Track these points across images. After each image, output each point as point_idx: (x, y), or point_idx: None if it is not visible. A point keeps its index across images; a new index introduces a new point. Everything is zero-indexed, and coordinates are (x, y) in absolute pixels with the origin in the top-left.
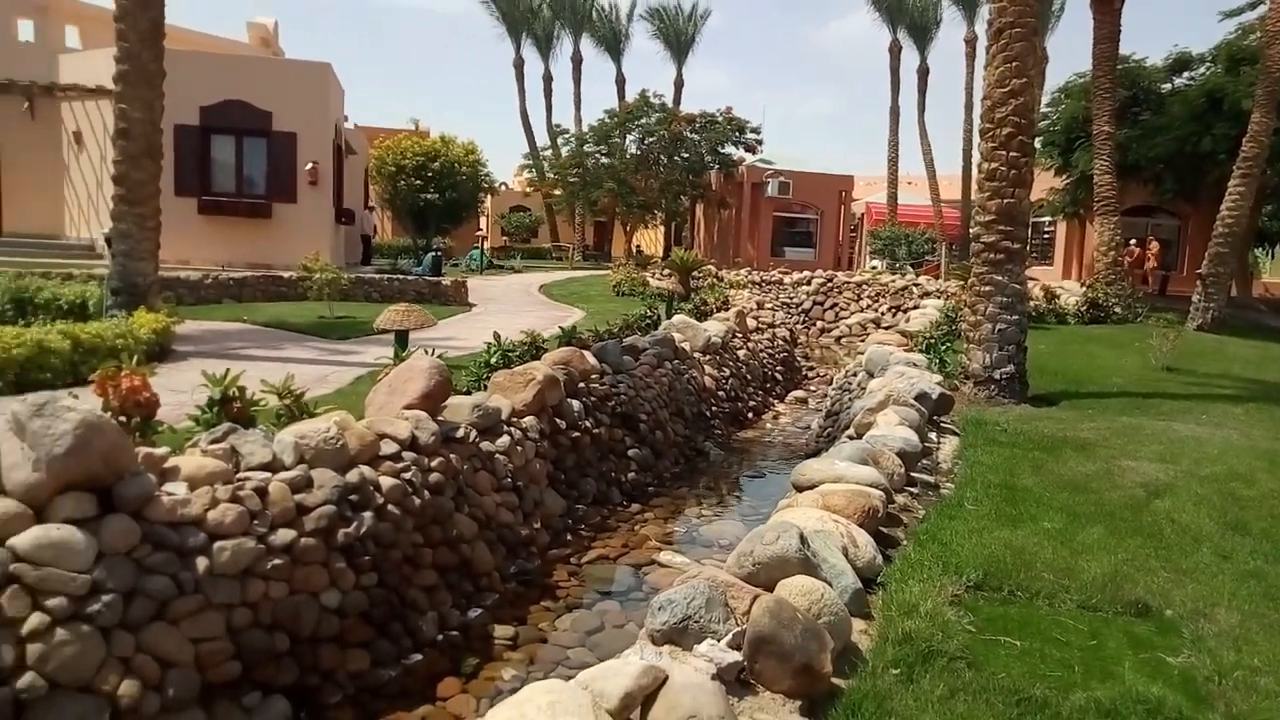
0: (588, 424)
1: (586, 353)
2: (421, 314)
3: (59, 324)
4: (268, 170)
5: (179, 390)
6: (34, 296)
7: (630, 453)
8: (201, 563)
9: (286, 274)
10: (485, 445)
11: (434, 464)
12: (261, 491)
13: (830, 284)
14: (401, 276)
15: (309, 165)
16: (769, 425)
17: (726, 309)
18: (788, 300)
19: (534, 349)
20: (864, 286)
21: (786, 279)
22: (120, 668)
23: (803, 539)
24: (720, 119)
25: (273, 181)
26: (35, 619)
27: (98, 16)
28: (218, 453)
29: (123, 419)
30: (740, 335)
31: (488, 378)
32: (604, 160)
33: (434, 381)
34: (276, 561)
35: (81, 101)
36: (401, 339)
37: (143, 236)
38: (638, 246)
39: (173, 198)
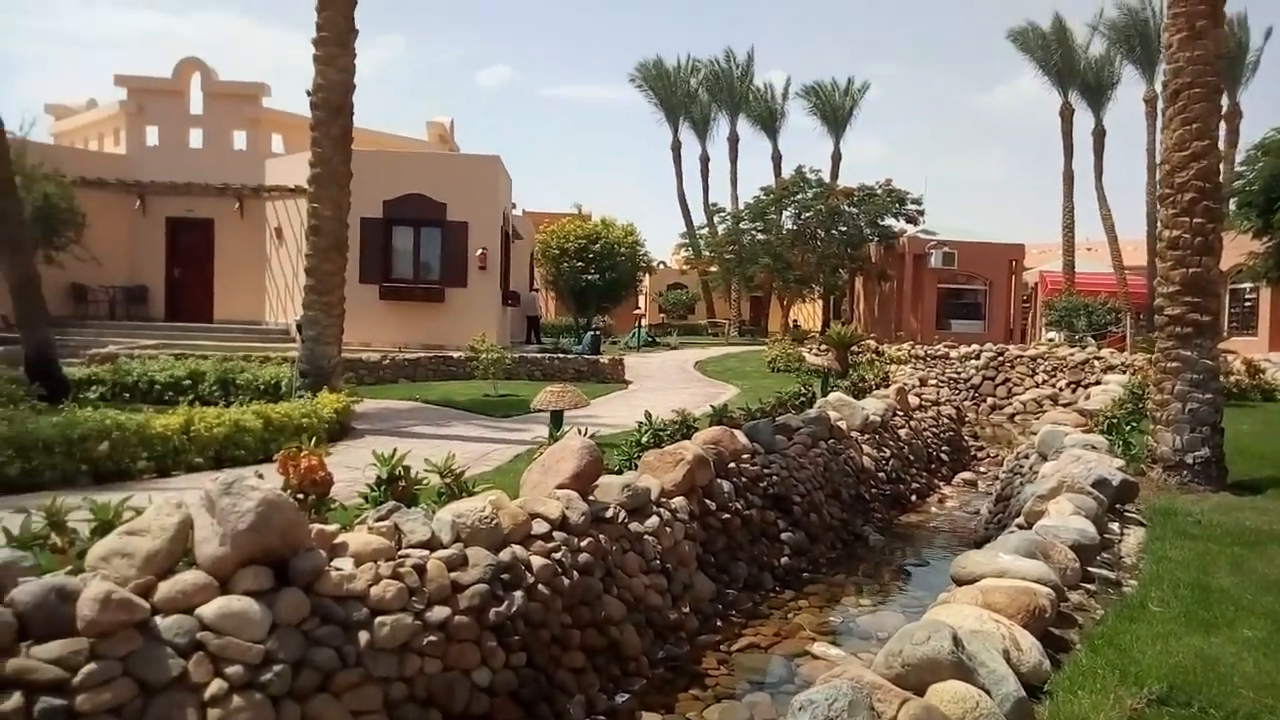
0: (738, 505)
1: (737, 432)
2: (575, 394)
3: (253, 405)
4: (441, 257)
5: (354, 467)
6: (236, 378)
7: (783, 536)
8: (364, 637)
9: (456, 354)
10: (634, 526)
11: (583, 544)
12: (420, 569)
13: (1001, 358)
14: (562, 355)
15: (479, 252)
16: (934, 509)
17: (886, 385)
18: (955, 375)
19: (685, 428)
20: (1039, 360)
21: (953, 353)
22: None
23: (956, 640)
24: (879, 191)
25: (446, 267)
26: (216, 685)
27: (298, 125)
28: (382, 530)
29: (300, 496)
30: (901, 413)
31: (639, 457)
32: (760, 236)
33: (585, 461)
34: (432, 638)
35: (283, 200)
36: (556, 418)
37: (329, 323)
38: (794, 321)
39: (357, 285)
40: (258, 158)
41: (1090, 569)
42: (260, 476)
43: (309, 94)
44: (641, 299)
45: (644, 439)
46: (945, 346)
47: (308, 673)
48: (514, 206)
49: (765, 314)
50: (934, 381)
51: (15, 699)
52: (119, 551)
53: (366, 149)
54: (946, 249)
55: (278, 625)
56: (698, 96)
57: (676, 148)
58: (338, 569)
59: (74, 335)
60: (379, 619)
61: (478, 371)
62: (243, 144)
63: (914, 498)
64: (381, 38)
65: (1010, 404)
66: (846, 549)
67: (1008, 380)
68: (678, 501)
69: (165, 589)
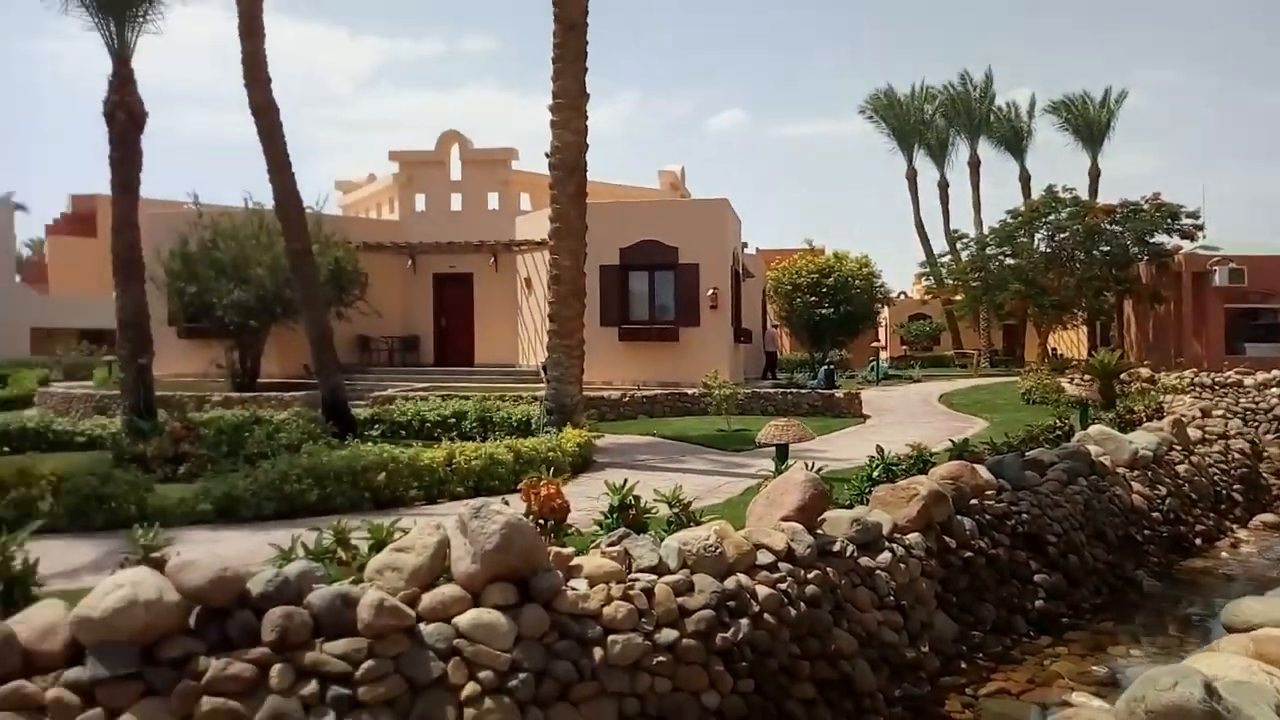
0: (982, 544)
1: (979, 467)
2: (799, 429)
3: (505, 440)
4: (675, 298)
5: (592, 497)
6: (493, 416)
7: (1036, 578)
8: (598, 653)
9: (691, 390)
10: (864, 561)
11: (810, 576)
12: (649, 592)
13: None
14: (796, 390)
15: (709, 291)
16: (1224, 554)
17: (1160, 417)
18: (1250, 405)
19: (920, 463)
20: None
21: (1247, 380)
22: None
23: (1209, 689)
24: (1146, 206)
25: (679, 308)
26: (470, 688)
27: (542, 183)
28: (613, 554)
29: (540, 522)
30: (1179, 447)
31: (869, 492)
32: (1009, 261)
33: (809, 495)
34: (661, 658)
35: (530, 253)
36: (782, 452)
37: (570, 364)
38: (1053, 349)
39: (598, 328)
40: (508, 215)
41: None
42: (506, 503)
43: (547, 155)
44: (881, 331)
45: (875, 474)
46: (1237, 373)
47: (549, 682)
48: (745, 245)
49: (1020, 343)
50: (1220, 413)
51: (312, 685)
52: (390, 565)
53: (603, 201)
54: (1233, 265)
55: (522, 637)
56: (933, 123)
57: (912, 176)
58: (573, 589)
59: (359, 380)
60: (611, 637)
61: (711, 407)
62: (495, 204)
63: (1198, 541)
64: (621, 94)
65: None
66: (1115, 595)
67: None
68: (912, 538)
69: (427, 599)
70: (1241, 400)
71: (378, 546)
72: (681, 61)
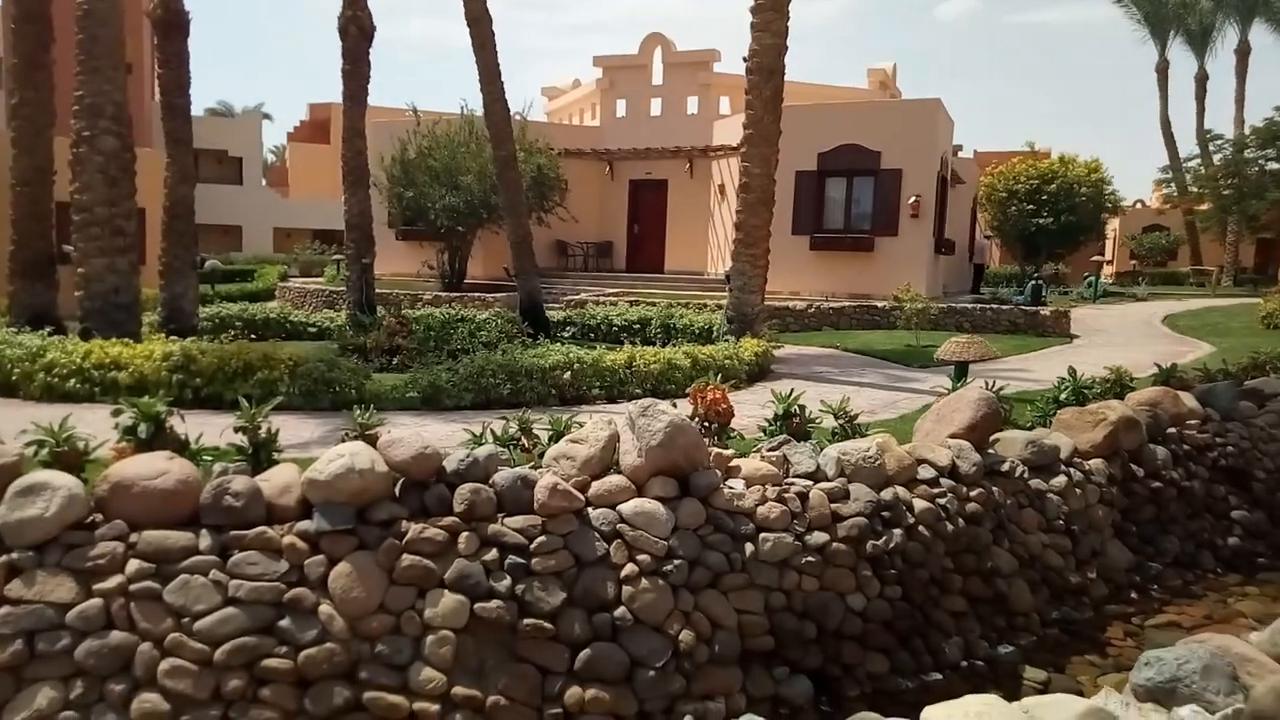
0: (1175, 474)
1: (1185, 394)
2: (982, 346)
3: (685, 346)
4: (873, 206)
5: (764, 405)
6: (676, 323)
7: (1235, 514)
8: (749, 548)
9: (881, 304)
10: (1036, 483)
11: (973, 494)
12: (803, 496)
13: None
14: (996, 306)
15: (911, 199)
16: None
17: None
18: None
19: (1118, 387)
20: None
21: None
22: (682, 619)
23: None
24: None
25: (877, 217)
26: (629, 568)
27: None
28: (772, 459)
29: (706, 424)
30: None
31: (1055, 414)
32: (1272, 166)
33: (981, 414)
34: (810, 559)
35: (726, 159)
36: (961, 369)
37: (754, 274)
38: None
39: (789, 236)
40: (706, 120)
41: None
42: (674, 405)
43: (745, 59)
44: (1108, 244)
45: (1063, 396)
46: None
47: (700, 570)
48: (959, 149)
49: (1276, 259)
50: None
51: (493, 553)
52: (565, 455)
53: (804, 103)
54: None
55: (679, 527)
56: (1197, 4)
57: (1163, 69)
58: (730, 488)
59: (556, 284)
60: (763, 534)
61: (900, 321)
62: (694, 108)
63: None
64: None
65: None
66: None
67: None
68: (1095, 463)
69: (596, 487)
70: None
71: (556, 437)
72: None
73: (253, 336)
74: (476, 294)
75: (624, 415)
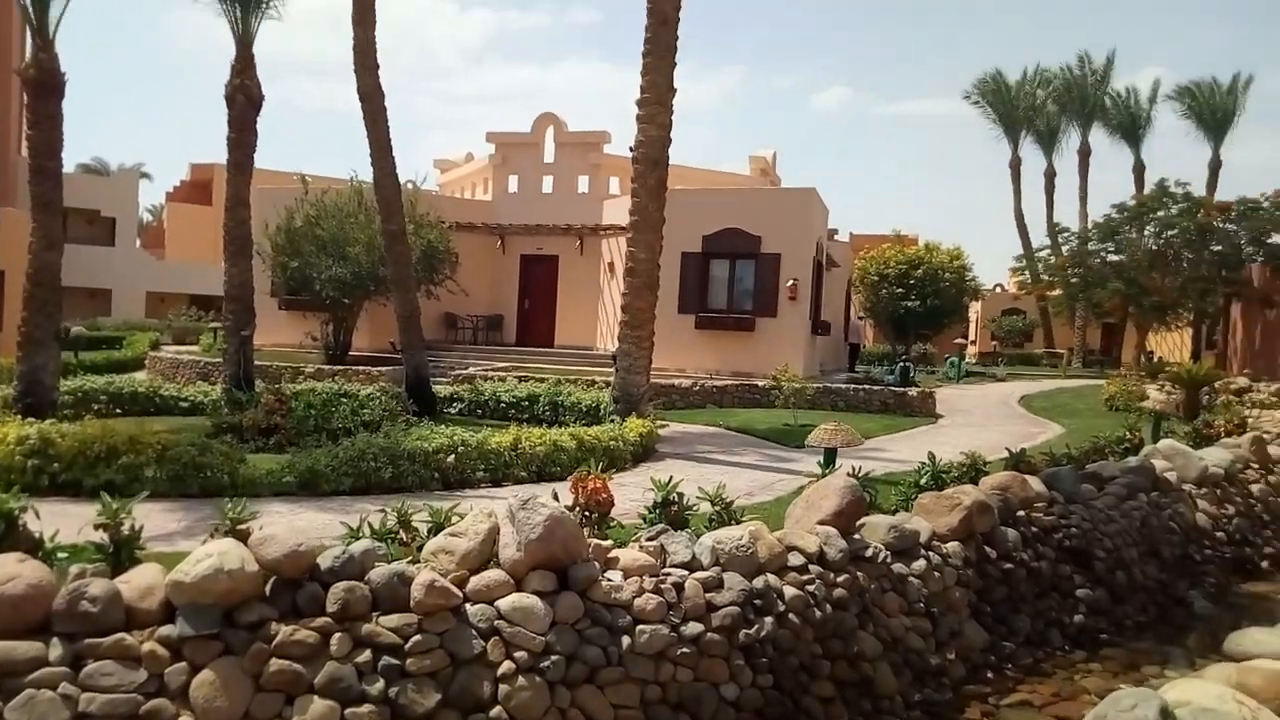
0: (1024, 556)
1: (1033, 479)
2: (849, 433)
3: (570, 428)
4: (754, 288)
5: (648, 488)
6: (564, 400)
7: (1079, 592)
8: (625, 640)
9: (761, 382)
10: (898, 567)
11: (839, 580)
12: (679, 586)
13: None
14: (868, 387)
15: (789, 283)
16: None
17: (1242, 433)
18: None
19: (972, 472)
20: None
21: None
22: (559, 716)
23: (1165, 713)
24: (1265, 204)
25: (758, 298)
26: (506, 665)
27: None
28: (650, 549)
29: (587, 514)
30: (1257, 466)
31: (916, 498)
32: (1111, 258)
33: (846, 500)
34: (685, 650)
35: (615, 238)
36: (829, 455)
37: (639, 355)
38: (1150, 352)
39: (675, 315)
40: (597, 199)
41: None
42: (556, 495)
43: (631, 150)
44: (972, 325)
45: (923, 480)
46: None
47: (578, 665)
48: (835, 232)
49: (1118, 343)
50: None
51: (367, 654)
52: (444, 549)
53: (690, 187)
54: None
55: (557, 622)
56: (1044, 109)
57: (1016, 165)
58: (609, 580)
59: (444, 356)
60: (640, 627)
61: (779, 401)
62: (585, 187)
63: (1265, 564)
64: (725, 68)
65: None
66: (1163, 614)
67: None
68: (951, 546)
69: (474, 582)
70: None
71: (436, 529)
72: (787, 37)
73: (119, 412)
74: (361, 367)
75: (504, 507)
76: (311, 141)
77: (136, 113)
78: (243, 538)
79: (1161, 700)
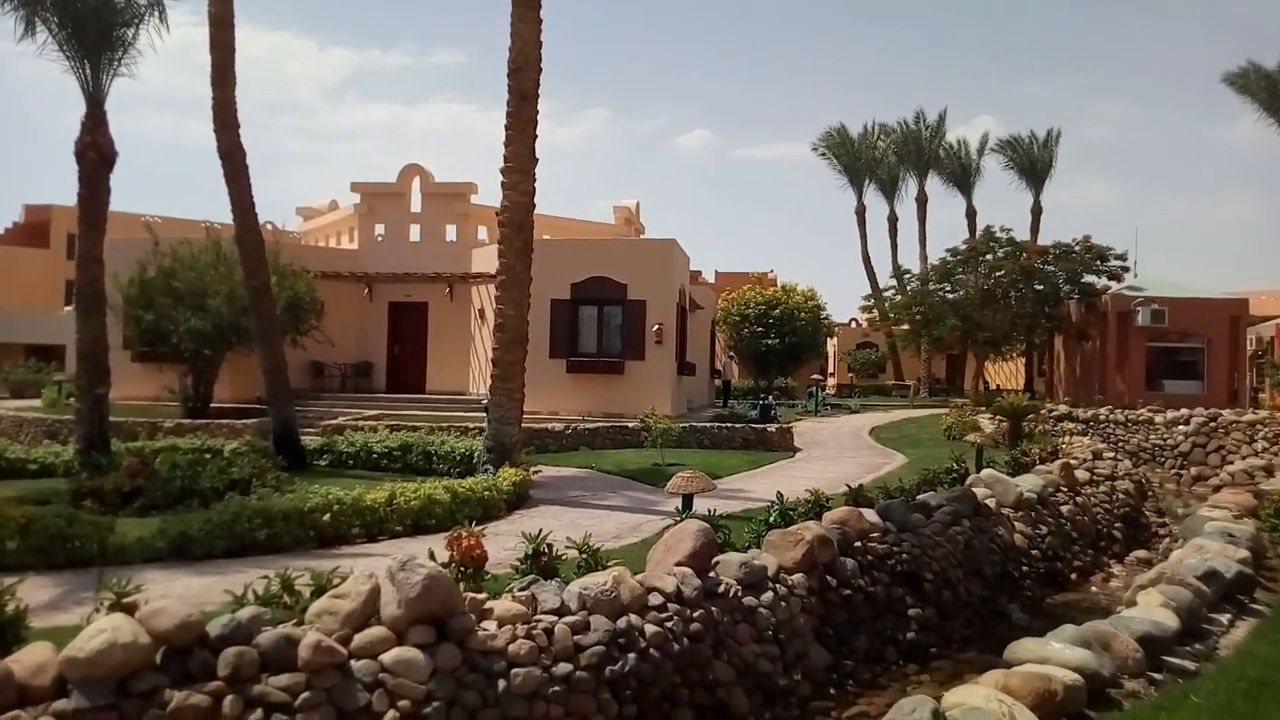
0: (862, 582)
1: (868, 511)
2: (703, 480)
3: (443, 481)
4: (622, 333)
5: (521, 538)
6: (436, 449)
7: (910, 612)
8: (501, 684)
9: (632, 424)
10: (748, 600)
11: (695, 615)
12: (549, 631)
13: (1214, 424)
14: (730, 425)
15: (655, 327)
16: (1094, 589)
17: (1054, 459)
18: (1159, 443)
19: (816, 507)
20: (1258, 427)
21: (1158, 418)
22: None
23: (937, 715)
24: (1077, 249)
25: (625, 342)
26: (390, 715)
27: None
28: (522, 599)
29: (462, 569)
30: (1066, 489)
31: (765, 535)
32: (949, 296)
33: (700, 543)
34: (556, 688)
35: (485, 285)
36: (687, 500)
37: (510, 406)
38: (985, 382)
39: (547, 359)
40: (465, 248)
41: (1167, 659)
42: (432, 554)
43: (497, 214)
44: (830, 357)
45: (772, 519)
46: (1150, 411)
47: (458, 709)
48: (698, 274)
49: (960, 372)
50: (1111, 455)
51: (259, 713)
52: (328, 610)
53: (557, 237)
54: (1155, 306)
55: (437, 671)
56: (885, 160)
57: (861, 211)
58: (484, 629)
59: (312, 406)
60: (514, 670)
61: (648, 441)
62: (453, 236)
63: (1074, 576)
64: (588, 112)
65: (1219, 474)
66: (986, 627)
67: (1221, 448)
68: (796, 578)
69: (359, 639)
70: (1151, 437)
71: (318, 592)
72: (650, 81)
73: None
74: (225, 420)
75: (383, 566)
76: (159, 179)
77: None
78: (129, 610)
79: (934, 704)
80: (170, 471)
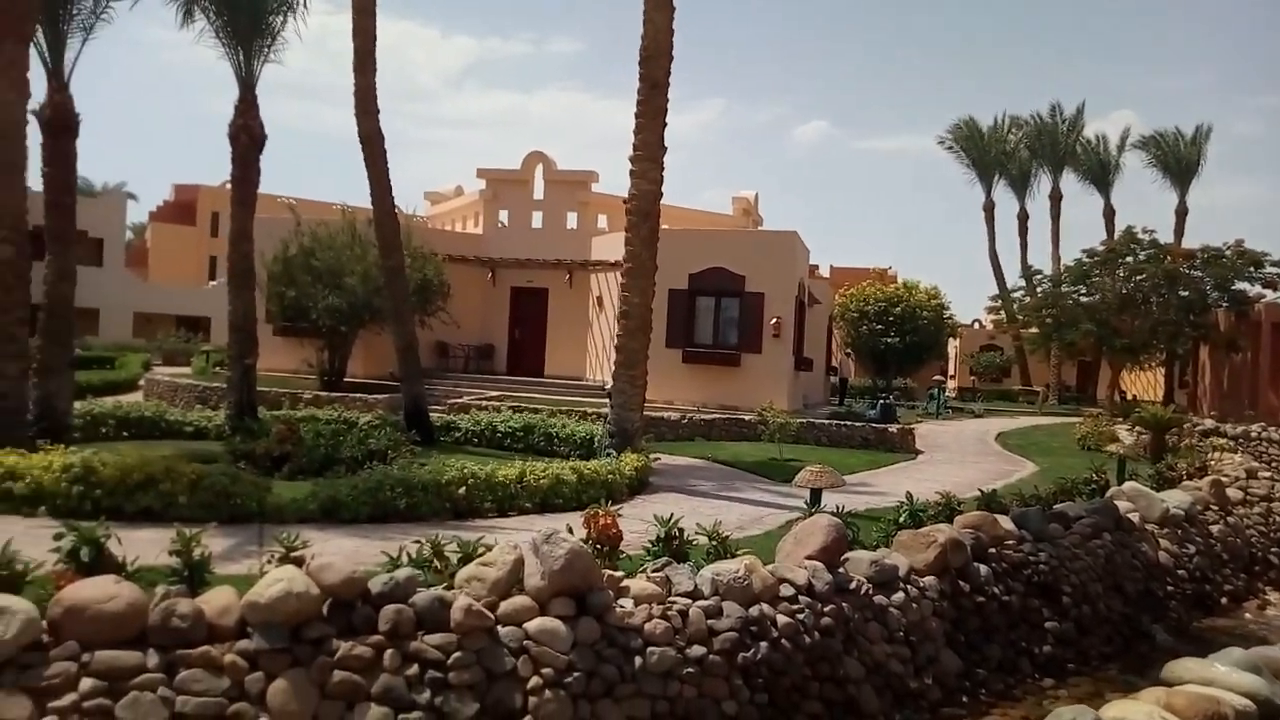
0: (996, 590)
1: (1002, 518)
2: (833, 475)
3: (570, 462)
4: (739, 325)
5: (645, 520)
6: (558, 432)
7: (1047, 624)
8: (638, 660)
9: (748, 416)
10: (879, 599)
11: (826, 609)
12: (684, 614)
13: None
14: (850, 423)
15: (773, 320)
16: (1248, 615)
17: (1203, 475)
18: None
19: (947, 510)
20: None
21: None
22: None
23: None
24: (1228, 253)
25: (743, 334)
26: (534, 680)
27: (620, 206)
28: (656, 580)
29: (598, 546)
30: (1216, 508)
31: (895, 535)
32: (1083, 299)
33: (831, 538)
34: (690, 669)
35: (604, 273)
36: (815, 494)
37: (633, 393)
38: (1123, 391)
39: (663, 349)
40: (585, 235)
41: None
42: (570, 529)
43: (625, 202)
44: (952, 360)
45: (902, 519)
46: None
47: (597, 681)
48: (815, 269)
49: (1094, 380)
50: (1268, 474)
51: (414, 667)
52: (475, 577)
53: (676, 227)
54: None
55: (578, 643)
56: (1016, 154)
57: (989, 208)
58: (621, 606)
59: (437, 384)
60: (650, 648)
61: (765, 435)
62: (574, 223)
63: (1224, 600)
64: (705, 101)
65: None
66: (1126, 645)
67: None
68: (928, 580)
69: (504, 607)
70: None
71: (465, 559)
72: (767, 70)
73: (125, 435)
74: (358, 394)
75: (527, 538)
76: (297, 163)
77: (115, 131)
78: (297, 564)
79: (1096, 716)
80: (315, 439)
